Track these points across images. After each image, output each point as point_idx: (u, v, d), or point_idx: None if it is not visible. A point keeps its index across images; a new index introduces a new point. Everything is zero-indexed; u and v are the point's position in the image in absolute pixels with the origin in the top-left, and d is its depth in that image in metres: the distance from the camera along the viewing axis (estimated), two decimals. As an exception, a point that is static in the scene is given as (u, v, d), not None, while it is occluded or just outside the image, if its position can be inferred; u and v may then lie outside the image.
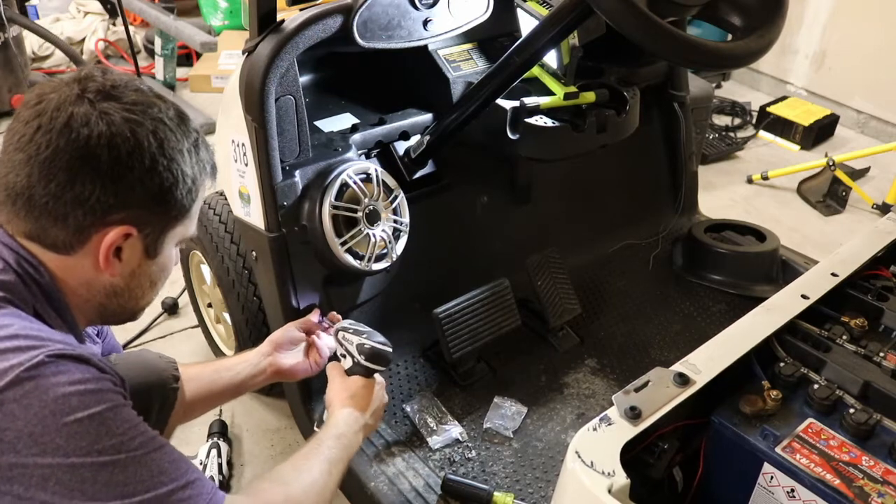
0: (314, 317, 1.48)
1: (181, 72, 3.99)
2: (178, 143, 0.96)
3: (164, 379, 1.30)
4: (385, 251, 1.59)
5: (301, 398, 1.67)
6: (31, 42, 3.89)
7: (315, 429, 1.27)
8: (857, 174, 3.27)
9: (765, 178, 3.22)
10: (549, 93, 1.75)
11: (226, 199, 1.79)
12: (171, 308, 2.36)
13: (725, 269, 2.13)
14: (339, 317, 1.45)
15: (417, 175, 1.79)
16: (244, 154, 1.55)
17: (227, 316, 1.94)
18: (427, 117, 1.78)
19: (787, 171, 3.22)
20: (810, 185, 3.17)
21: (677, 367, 1.13)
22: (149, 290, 1.05)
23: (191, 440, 1.94)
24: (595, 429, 1.02)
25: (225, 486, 1.80)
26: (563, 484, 1.02)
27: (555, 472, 1.52)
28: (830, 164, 3.03)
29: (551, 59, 1.76)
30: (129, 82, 0.95)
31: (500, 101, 1.66)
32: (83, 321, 1.02)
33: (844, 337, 1.27)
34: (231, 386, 1.39)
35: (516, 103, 1.69)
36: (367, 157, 1.71)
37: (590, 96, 1.76)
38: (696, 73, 2.80)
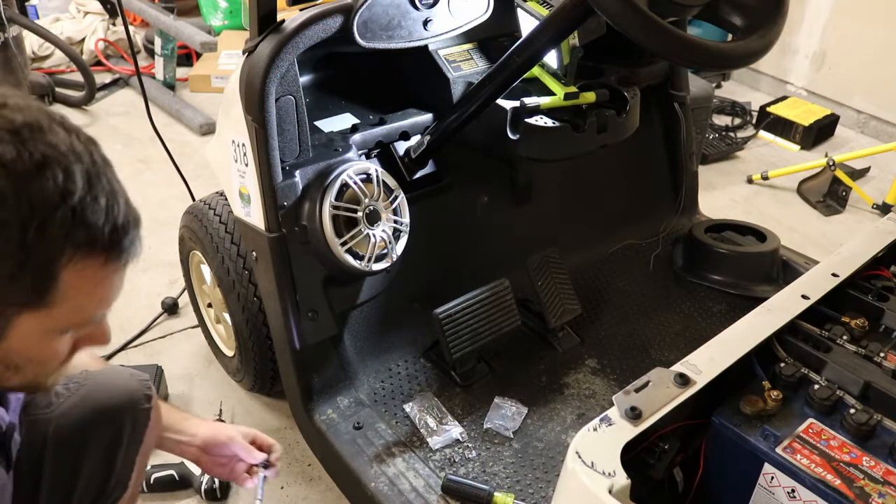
0: (258, 457, 1.43)
1: (181, 72, 3.99)
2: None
3: (136, 399, 1.27)
4: (385, 251, 1.59)
5: (301, 398, 1.67)
6: (31, 42, 3.89)
7: None
8: (857, 174, 3.27)
9: (765, 178, 3.22)
10: (550, 93, 1.75)
11: (226, 199, 1.79)
12: (171, 308, 2.36)
13: (726, 270, 2.13)
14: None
15: (417, 175, 1.79)
16: (244, 154, 1.55)
17: (227, 316, 1.94)
18: (427, 117, 1.78)
19: (787, 171, 3.22)
20: (810, 185, 3.17)
21: (678, 367, 1.13)
22: (13, 373, 0.88)
23: (191, 440, 1.94)
24: (595, 429, 1.02)
25: (225, 486, 1.80)
26: (564, 484, 1.02)
27: (555, 473, 1.52)
28: (830, 164, 3.03)
29: (551, 59, 1.76)
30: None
31: (500, 101, 1.65)
32: None
33: (845, 337, 1.26)
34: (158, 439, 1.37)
35: (516, 103, 1.69)
36: (368, 157, 1.71)
37: (590, 96, 1.76)
38: (696, 73, 2.80)
